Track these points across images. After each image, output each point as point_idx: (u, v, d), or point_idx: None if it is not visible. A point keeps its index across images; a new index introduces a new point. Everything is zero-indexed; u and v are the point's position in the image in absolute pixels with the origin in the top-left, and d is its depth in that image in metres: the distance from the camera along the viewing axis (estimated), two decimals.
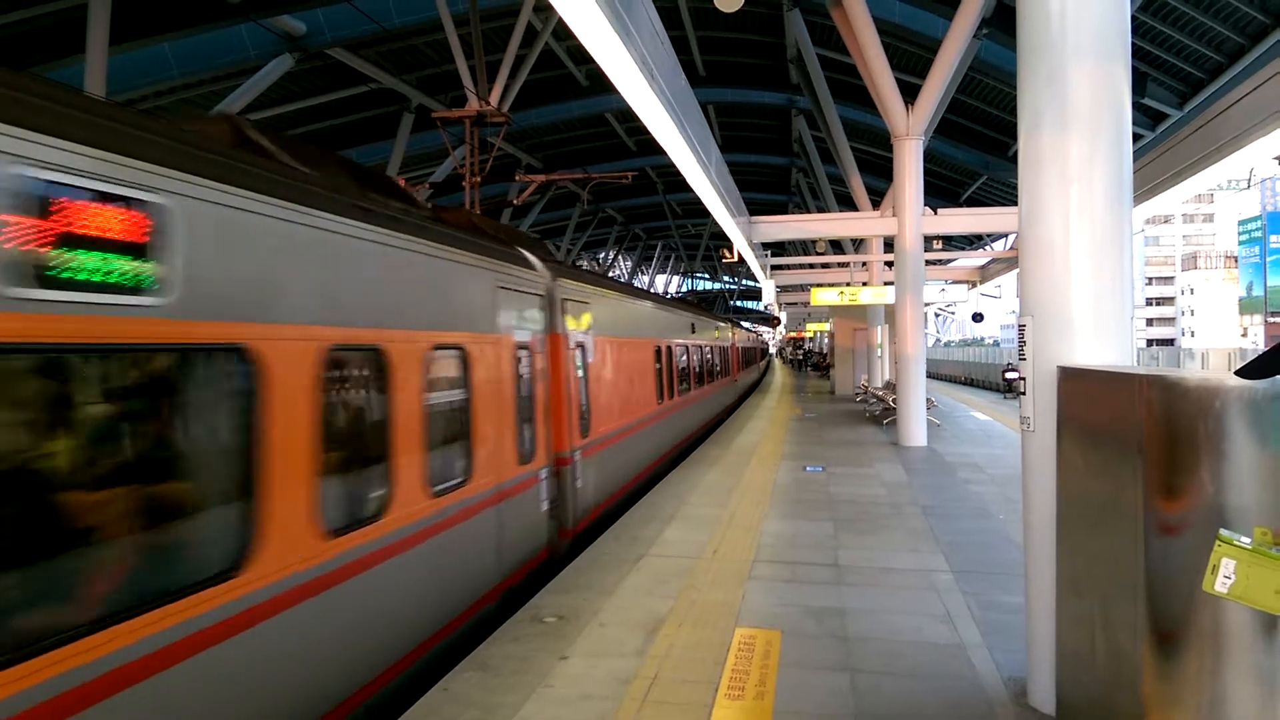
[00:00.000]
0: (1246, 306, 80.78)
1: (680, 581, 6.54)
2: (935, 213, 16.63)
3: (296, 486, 3.89)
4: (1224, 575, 2.39)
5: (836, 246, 30.40)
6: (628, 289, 13.68)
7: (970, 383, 38.22)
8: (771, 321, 69.58)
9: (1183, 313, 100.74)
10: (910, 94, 15.07)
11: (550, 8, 5.46)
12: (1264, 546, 2.39)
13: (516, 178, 18.42)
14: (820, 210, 31.75)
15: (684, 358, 15.85)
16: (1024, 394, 4.37)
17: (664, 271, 70.08)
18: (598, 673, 4.77)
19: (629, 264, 58.92)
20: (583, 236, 43.14)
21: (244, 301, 3.61)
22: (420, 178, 23.74)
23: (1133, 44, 4.32)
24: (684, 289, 78.60)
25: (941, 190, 27.26)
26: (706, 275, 77.71)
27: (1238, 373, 2.55)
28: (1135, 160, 4.86)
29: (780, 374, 52.08)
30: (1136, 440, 3.02)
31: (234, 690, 3.50)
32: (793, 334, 72.60)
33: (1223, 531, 2.45)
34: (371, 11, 14.67)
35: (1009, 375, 27.40)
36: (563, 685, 4.61)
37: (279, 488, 3.75)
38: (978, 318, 37.83)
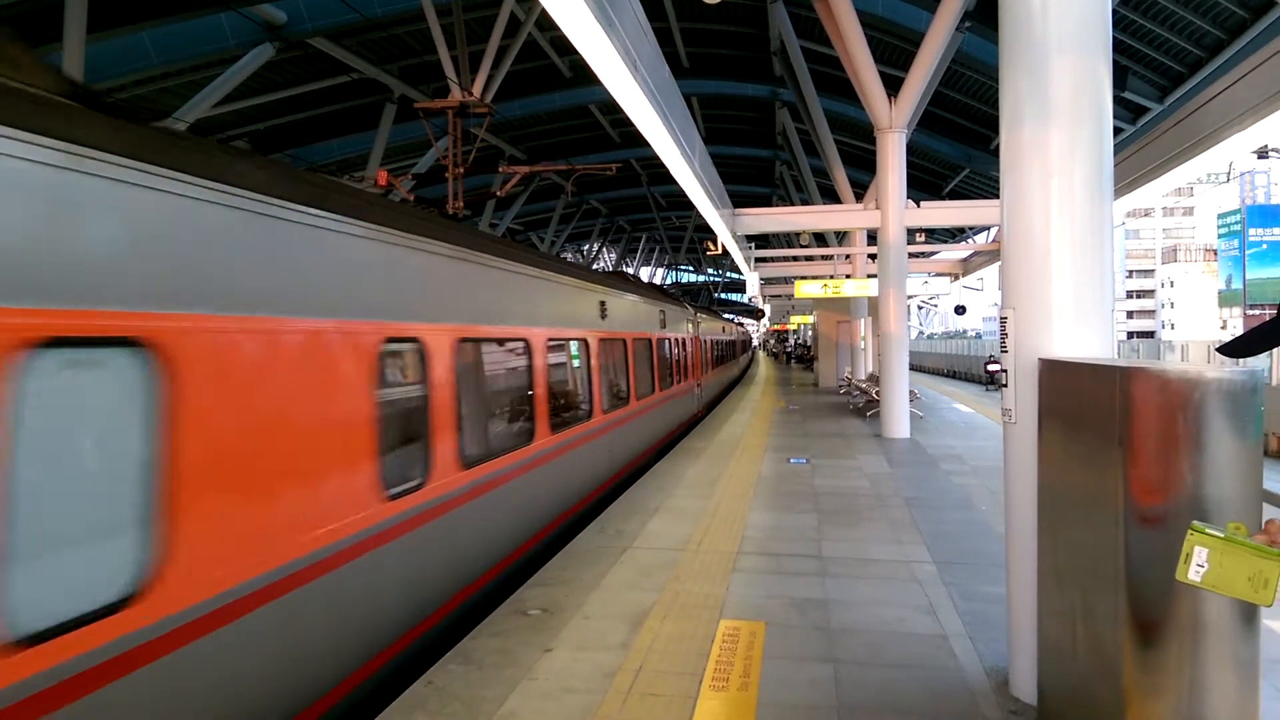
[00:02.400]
0: (1225, 299, 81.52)
1: (664, 574, 6.55)
2: (918, 205, 16.68)
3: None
4: (1197, 564, 2.41)
5: (820, 239, 30.44)
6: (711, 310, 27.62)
7: (953, 375, 38.47)
8: (756, 314, 69.71)
9: (1163, 305, 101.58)
10: (893, 87, 15.09)
11: None
12: (1233, 537, 2.42)
13: (500, 169, 18.30)
14: (804, 203, 31.81)
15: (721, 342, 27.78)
16: (1005, 386, 4.39)
17: (648, 264, 69.92)
18: (582, 665, 4.77)
19: (613, 256, 58.78)
20: (567, 229, 43.03)
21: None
22: (403, 169, 23.56)
23: (1114, 37, 4.34)
24: (668, 281, 78.55)
25: (924, 183, 27.34)
26: (691, 268, 77.69)
27: (1220, 349, 2.57)
28: (1116, 154, 4.88)
29: (764, 366, 52.15)
30: (1117, 432, 3.04)
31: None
32: (776, 326, 72.72)
33: (1195, 522, 2.47)
34: (352, 0, 14.55)
35: (991, 367, 27.62)
36: (546, 678, 4.60)
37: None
38: (960, 310, 37.97)
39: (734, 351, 36.77)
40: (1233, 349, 2.50)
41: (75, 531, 2.95)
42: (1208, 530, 2.42)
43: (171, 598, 3.26)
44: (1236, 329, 73.76)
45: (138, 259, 3.23)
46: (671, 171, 10.69)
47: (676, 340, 16.86)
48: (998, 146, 4.58)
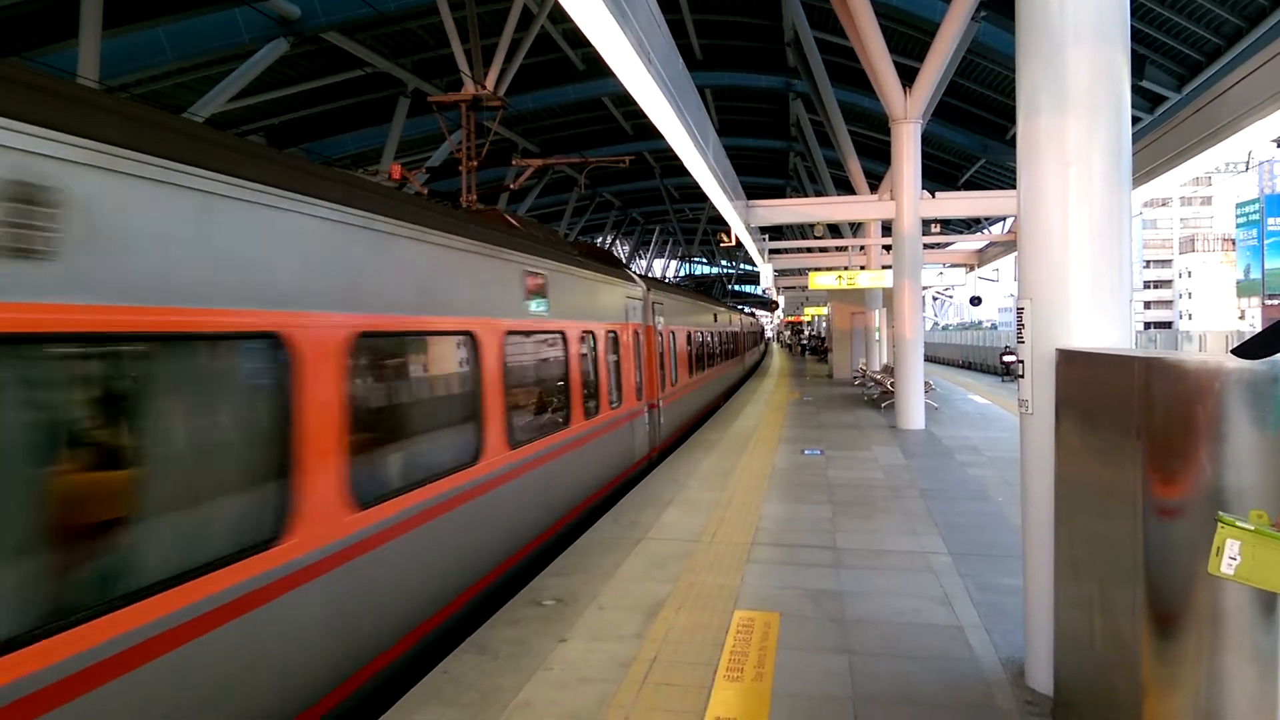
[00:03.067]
0: (1244, 289, 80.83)
1: (679, 565, 6.56)
2: (933, 196, 16.59)
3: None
4: (1229, 557, 2.40)
5: (834, 230, 30.35)
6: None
7: (968, 366, 38.25)
8: (769, 306, 69.57)
9: (1180, 296, 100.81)
10: (908, 77, 15.00)
11: None
12: (1263, 528, 2.40)
13: (513, 162, 18.35)
14: (818, 194, 31.69)
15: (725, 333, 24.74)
16: (1022, 377, 4.37)
17: (661, 256, 69.87)
18: (597, 655, 4.79)
19: (626, 249, 58.76)
20: (580, 221, 43.04)
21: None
22: (416, 162, 23.64)
23: (1131, 26, 4.30)
24: (681, 273, 78.50)
25: (939, 174, 27.19)
26: (704, 260, 77.62)
27: (1235, 351, 2.55)
28: (1134, 143, 4.85)
29: (779, 358, 52.05)
30: (1135, 423, 3.02)
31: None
32: (790, 318, 72.56)
33: (1222, 514, 2.46)
34: None
35: (1007, 358, 27.47)
36: (562, 668, 4.63)
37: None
38: (976, 301, 37.80)
39: (736, 348, 28.45)
40: (1249, 350, 2.48)
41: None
42: (1238, 523, 2.40)
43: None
44: (1255, 319, 73.13)
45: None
46: (685, 164, 10.67)
47: (603, 336, 10.17)
48: (1014, 136, 4.55)
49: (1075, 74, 4.12)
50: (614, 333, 10.78)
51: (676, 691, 4.33)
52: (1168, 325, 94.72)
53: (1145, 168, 11.87)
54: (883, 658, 4.74)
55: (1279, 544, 2.34)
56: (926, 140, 17.84)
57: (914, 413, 15.01)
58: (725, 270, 76.14)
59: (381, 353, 5.14)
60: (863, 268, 26.19)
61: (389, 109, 20.34)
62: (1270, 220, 74.12)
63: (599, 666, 4.65)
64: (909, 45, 18.42)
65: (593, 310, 9.89)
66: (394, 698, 4.72)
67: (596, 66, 19.63)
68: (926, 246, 21.41)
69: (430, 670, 4.70)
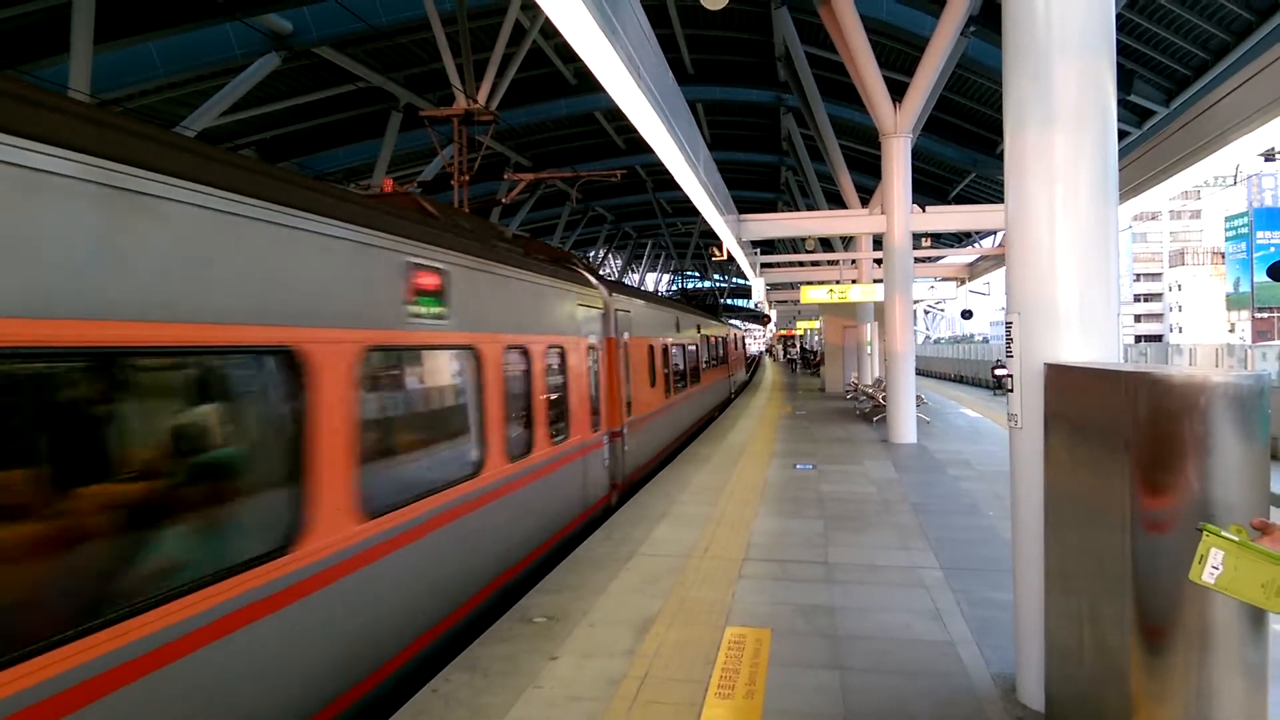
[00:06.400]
0: (1234, 302, 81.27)
1: (670, 580, 6.53)
2: (924, 210, 16.66)
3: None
4: (1212, 566, 2.39)
5: (826, 244, 30.40)
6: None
7: (960, 379, 38.32)
8: (762, 319, 69.75)
9: (1170, 309, 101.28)
10: (898, 92, 15.08)
11: (537, 5, 5.42)
12: (1246, 541, 2.41)
13: (505, 176, 18.33)
14: (809, 208, 31.76)
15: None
16: (1011, 391, 4.38)
17: (654, 270, 69.95)
18: (587, 673, 4.76)
19: (619, 262, 58.81)
20: (572, 235, 43.08)
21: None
22: (409, 177, 23.66)
23: (1118, 41, 4.33)
24: (674, 287, 78.53)
25: (930, 188, 27.31)
26: (697, 274, 77.73)
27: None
28: (1121, 157, 4.87)
29: (770, 371, 52.06)
30: (1123, 436, 3.02)
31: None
32: (783, 331, 72.74)
33: (1206, 524, 2.46)
34: (358, 10, 14.60)
35: (998, 372, 27.51)
36: (552, 686, 4.59)
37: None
38: (967, 315, 37.93)
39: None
40: None
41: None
42: (1223, 533, 2.40)
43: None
44: (1245, 332, 73.55)
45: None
46: (676, 178, 10.70)
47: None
48: (1003, 151, 4.57)
49: (1062, 89, 4.14)
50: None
51: (667, 709, 4.30)
52: (1158, 338, 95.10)
53: (1133, 182, 11.94)
54: (874, 674, 4.71)
55: (1261, 558, 2.34)
56: (917, 155, 17.95)
57: (905, 427, 15.02)
58: (718, 284, 76.26)
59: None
60: (854, 282, 26.22)
61: (381, 123, 20.37)
62: (1259, 234, 74.60)
63: (589, 684, 4.61)
64: (899, 60, 18.53)
65: None
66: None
67: (588, 81, 19.64)
68: (917, 260, 21.50)
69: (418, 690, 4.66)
